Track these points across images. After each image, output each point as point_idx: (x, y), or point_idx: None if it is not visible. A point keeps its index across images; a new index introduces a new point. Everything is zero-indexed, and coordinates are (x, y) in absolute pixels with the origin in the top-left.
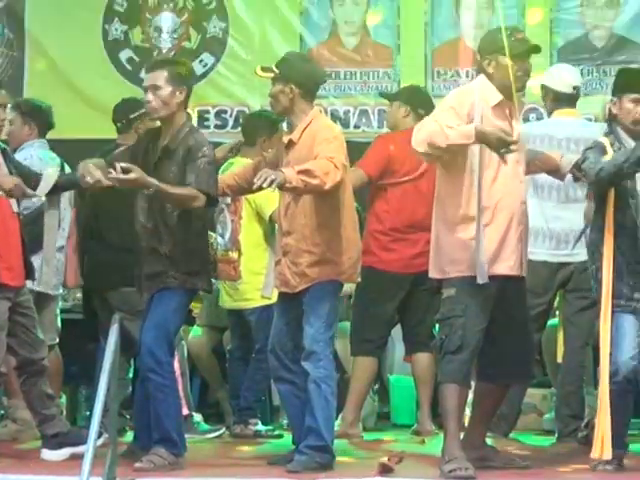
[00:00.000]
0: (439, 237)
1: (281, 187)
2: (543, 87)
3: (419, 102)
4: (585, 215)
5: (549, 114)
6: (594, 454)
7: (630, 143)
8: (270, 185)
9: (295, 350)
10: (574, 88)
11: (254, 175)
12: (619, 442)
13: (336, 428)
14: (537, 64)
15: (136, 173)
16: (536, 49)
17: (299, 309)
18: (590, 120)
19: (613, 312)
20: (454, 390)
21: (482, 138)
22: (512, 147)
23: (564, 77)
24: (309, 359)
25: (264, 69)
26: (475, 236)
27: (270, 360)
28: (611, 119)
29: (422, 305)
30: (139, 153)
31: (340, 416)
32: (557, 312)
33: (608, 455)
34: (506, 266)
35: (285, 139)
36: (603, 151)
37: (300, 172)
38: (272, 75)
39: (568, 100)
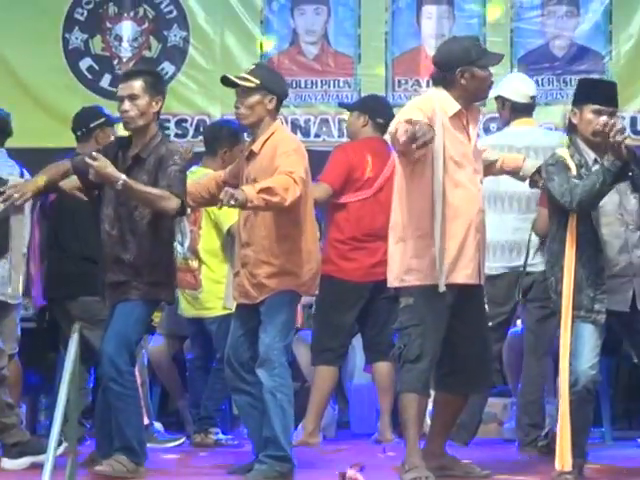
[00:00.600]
0: (397, 246)
1: (243, 206)
2: (499, 98)
3: (378, 111)
4: (535, 223)
5: (506, 124)
6: (558, 466)
7: (590, 155)
8: (233, 205)
9: (251, 361)
10: (531, 98)
11: (215, 186)
12: (579, 451)
13: (297, 437)
14: (497, 74)
15: (106, 162)
16: (501, 59)
17: (257, 320)
18: (550, 130)
19: (573, 322)
20: (413, 399)
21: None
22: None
23: (521, 88)
24: (263, 366)
25: (242, 78)
26: (436, 244)
27: (226, 371)
28: (571, 130)
29: (382, 314)
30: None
31: (300, 425)
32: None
33: (568, 467)
34: (464, 275)
35: (246, 150)
36: (565, 167)
37: (261, 191)
38: (252, 85)
39: (525, 110)
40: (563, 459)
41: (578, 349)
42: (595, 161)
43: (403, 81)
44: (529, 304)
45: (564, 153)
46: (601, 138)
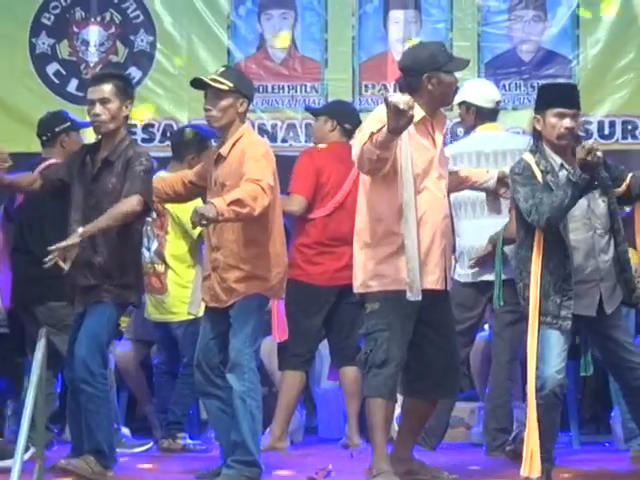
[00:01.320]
0: (362, 251)
1: (215, 221)
2: (463, 103)
3: (345, 116)
4: (507, 227)
5: (470, 129)
6: (524, 472)
7: (556, 160)
8: (205, 224)
9: (221, 365)
10: (496, 103)
11: (181, 185)
12: (547, 456)
13: (264, 442)
14: (464, 79)
15: (74, 237)
16: (467, 64)
17: (227, 324)
18: (518, 134)
19: (540, 328)
20: (380, 404)
21: (388, 109)
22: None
23: (486, 93)
24: (234, 371)
25: (214, 80)
26: (408, 252)
27: (196, 375)
28: (536, 137)
29: (348, 318)
30: (74, 166)
31: (267, 430)
32: None
33: (537, 473)
34: (430, 280)
35: (214, 154)
36: (531, 176)
37: (231, 203)
38: (225, 87)
39: (490, 115)
40: (531, 465)
41: (545, 354)
42: (561, 166)
43: (370, 86)
44: (498, 309)
45: (529, 159)
46: (569, 141)
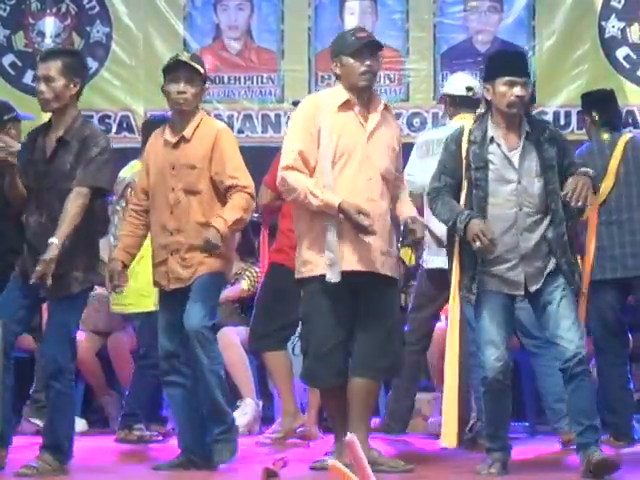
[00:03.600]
0: (298, 240)
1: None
2: (442, 97)
3: None
4: None
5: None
6: (443, 443)
7: (489, 134)
8: (216, 247)
9: (184, 352)
10: (468, 90)
11: (141, 238)
12: (501, 445)
13: (278, 427)
14: (421, 69)
15: (52, 250)
16: (373, 44)
17: (184, 306)
18: None
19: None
20: (327, 392)
21: (344, 215)
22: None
23: (456, 81)
24: (199, 344)
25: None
26: (326, 236)
27: (162, 365)
28: (487, 107)
29: None
30: (29, 149)
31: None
32: None
33: (453, 443)
34: (352, 261)
35: (172, 138)
36: (452, 153)
37: (232, 224)
38: (202, 72)
39: (464, 104)
40: (449, 436)
41: (481, 344)
42: (492, 140)
43: (326, 76)
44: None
45: (467, 126)
46: (518, 109)
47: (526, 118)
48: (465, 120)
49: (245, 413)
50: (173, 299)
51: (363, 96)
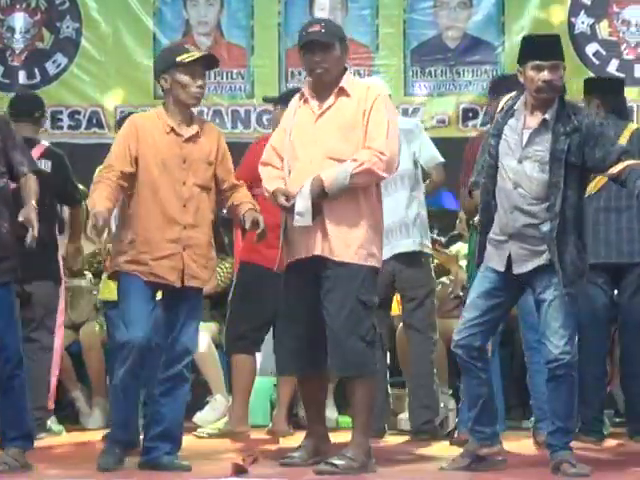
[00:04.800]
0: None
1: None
2: None
3: None
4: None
5: None
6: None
7: (512, 124)
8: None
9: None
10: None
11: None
12: (473, 429)
13: (221, 426)
14: (391, 65)
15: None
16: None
17: (177, 309)
18: (443, 122)
19: None
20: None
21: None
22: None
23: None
24: (187, 360)
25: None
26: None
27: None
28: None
29: None
30: None
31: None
32: None
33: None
34: (293, 251)
35: (183, 132)
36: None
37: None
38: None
39: None
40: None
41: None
42: (513, 113)
43: (296, 72)
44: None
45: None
46: (547, 94)
47: (559, 104)
48: None
49: (215, 409)
50: (171, 299)
51: (319, 90)
